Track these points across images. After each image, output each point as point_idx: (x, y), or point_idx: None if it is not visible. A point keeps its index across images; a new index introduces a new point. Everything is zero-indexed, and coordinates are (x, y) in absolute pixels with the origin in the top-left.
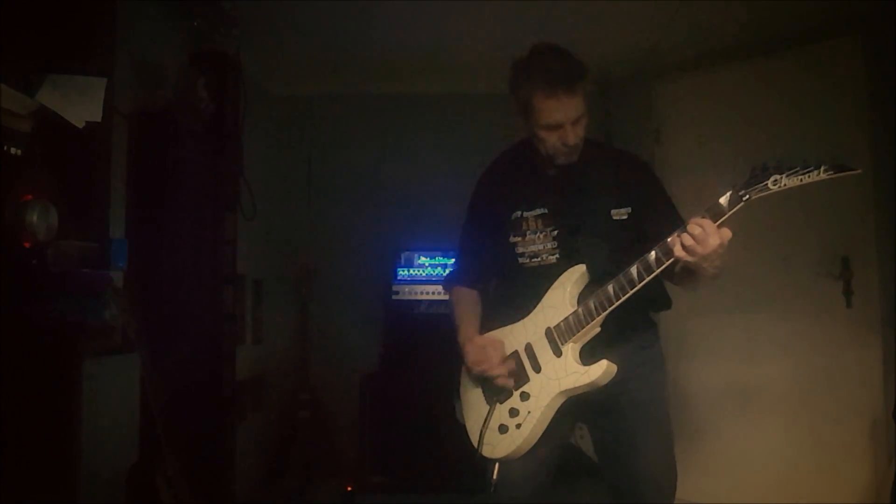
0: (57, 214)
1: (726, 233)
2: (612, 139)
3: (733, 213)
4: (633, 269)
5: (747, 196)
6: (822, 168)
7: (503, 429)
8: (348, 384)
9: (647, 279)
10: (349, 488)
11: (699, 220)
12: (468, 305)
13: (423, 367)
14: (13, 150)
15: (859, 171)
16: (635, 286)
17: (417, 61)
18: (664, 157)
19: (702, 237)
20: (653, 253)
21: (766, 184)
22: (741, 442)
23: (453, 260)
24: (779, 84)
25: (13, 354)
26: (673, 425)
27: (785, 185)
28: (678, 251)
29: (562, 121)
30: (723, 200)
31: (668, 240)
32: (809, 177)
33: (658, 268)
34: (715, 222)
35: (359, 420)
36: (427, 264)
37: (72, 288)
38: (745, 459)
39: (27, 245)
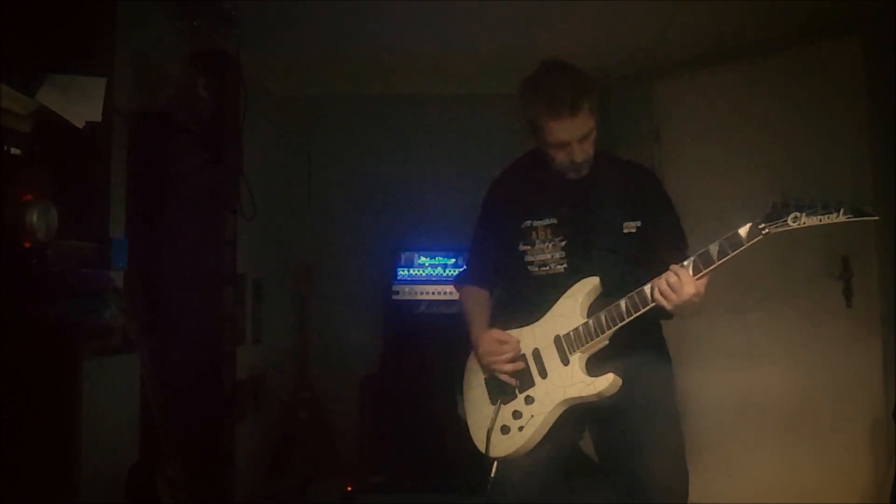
0: (57, 214)
1: (702, 285)
2: (612, 139)
3: (750, 246)
4: (647, 288)
5: (766, 231)
6: (842, 210)
7: (505, 430)
8: (348, 384)
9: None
10: (349, 488)
11: (676, 268)
12: (479, 303)
13: (424, 367)
14: (13, 150)
15: (877, 217)
16: (647, 305)
17: (417, 61)
18: (664, 158)
19: (677, 286)
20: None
21: (786, 220)
22: (741, 442)
23: (463, 260)
24: (779, 84)
25: (13, 354)
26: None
27: (804, 223)
28: (656, 295)
29: (568, 140)
30: (742, 232)
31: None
32: (829, 218)
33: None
34: (705, 268)
35: (359, 420)
36: (427, 264)
37: (72, 288)
38: (745, 459)
39: (27, 245)
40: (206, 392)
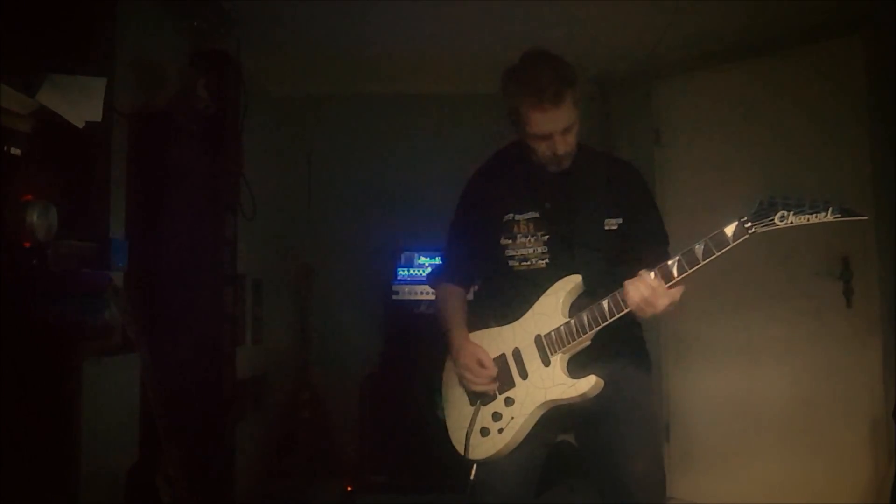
0: (57, 214)
1: (677, 292)
2: (612, 140)
3: (737, 245)
4: None
5: (753, 230)
6: (830, 210)
7: (485, 432)
8: (348, 384)
9: None
10: (349, 488)
11: (650, 279)
12: (457, 303)
13: (424, 367)
14: (13, 150)
15: (866, 217)
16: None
17: (417, 62)
18: (664, 158)
19: (651, 298)
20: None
21: (773, 219)
22: (741, 442)
23: (441, 254)
24: (779, 84)
25: (13, 354)
26: (672, 425)
27: (791, 222)
28: (632, 304)
29: (550, 131)
30: (728, 230)
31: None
32: (817, 217)
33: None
34: (679, 275)
35: (359, 420)
36: (427, 264)
37: (72, 288)
38: (745, 459)
39: (27, 245)
40: (206, 392)
